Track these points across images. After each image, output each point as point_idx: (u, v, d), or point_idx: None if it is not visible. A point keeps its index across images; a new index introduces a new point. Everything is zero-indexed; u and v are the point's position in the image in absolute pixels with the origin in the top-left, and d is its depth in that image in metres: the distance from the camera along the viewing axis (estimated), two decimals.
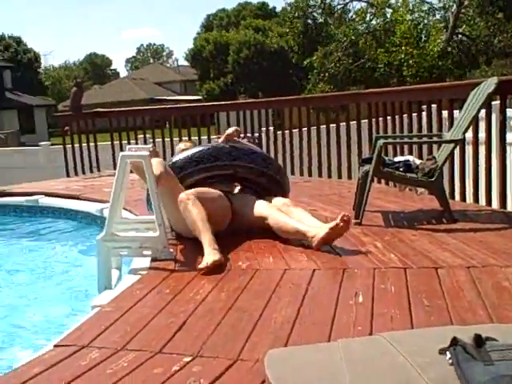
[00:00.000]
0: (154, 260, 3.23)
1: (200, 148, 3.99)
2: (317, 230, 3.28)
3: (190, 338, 2.20)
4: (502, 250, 3.11)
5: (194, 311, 2.48)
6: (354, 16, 24.80)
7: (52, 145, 11.12)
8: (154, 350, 2.10)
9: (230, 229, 3.61)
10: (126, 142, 7.67)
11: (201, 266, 3.01)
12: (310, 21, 24.64)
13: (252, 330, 2.23)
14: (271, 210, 3.53)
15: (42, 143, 10.44)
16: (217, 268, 3.01)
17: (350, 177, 6.06)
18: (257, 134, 6.99)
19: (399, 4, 23.88)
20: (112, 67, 79.21)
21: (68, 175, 7.93)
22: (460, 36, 23.56)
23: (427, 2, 24.21)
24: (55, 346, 2.22)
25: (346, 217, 3.21)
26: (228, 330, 2.27)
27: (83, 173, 7.95)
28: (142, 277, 3.02)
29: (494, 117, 4.35)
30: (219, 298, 2.65)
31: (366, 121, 5.95)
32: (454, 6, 22.94)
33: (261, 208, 3.59)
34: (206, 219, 3.32)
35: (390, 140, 4.99)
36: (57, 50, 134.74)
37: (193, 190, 3.48)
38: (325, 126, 6.37)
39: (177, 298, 2.67)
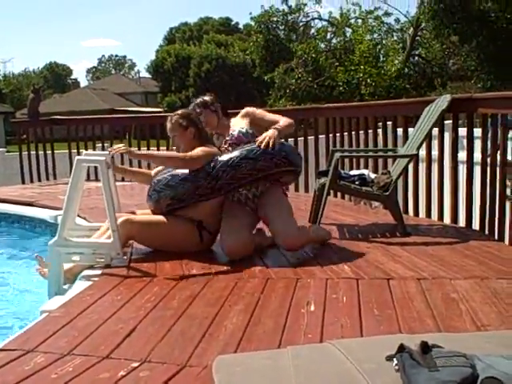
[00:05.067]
0: (106, 267, 3.19)
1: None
2: None
3: (138, 344, 2.17)
4: (451, 263, 3.18)
5: (144, 318, 2.45)
6: (315, 33, 25.16)
7: (8, 152, 10.89)
8: (102, 355, 2.07)
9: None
10: (83, 151, 7.54)
11: None
12: (272, 36, 24.88)
13: (202, 337, 2.22)
14: None
15: None
16: None
17: (306, 190, 6.11)
18: None
19: (359, 24, 24.37)
20: (73, 77, 78.28)
21: (23, 182, 7.76)
22: (416, 58, 24.19)
23: (386, 23, 24.81)
24: (0, 349, 2.16)
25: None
26: (177, 336, 2.25)
27: (39, 180, 7.79)
28: (94, 283, 2.98)
29: (446, 135, 4.47)
30: (170, 305, 2.63)
31: (324, 136, 6.03)
32: (411, 28, 23.55)
33: None
34: None
35: (346, 153, 5.07)
36: (16, 57, 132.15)
37: None
38: (283, 140, 6.40)
39: (127, 304, 2.64)
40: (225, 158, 3.40)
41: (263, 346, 2.12)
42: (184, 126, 3.56)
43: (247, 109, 3.78)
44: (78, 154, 7.29)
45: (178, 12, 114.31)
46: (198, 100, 3.78)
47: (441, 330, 2.25)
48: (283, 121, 3.64)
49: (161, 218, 3.45)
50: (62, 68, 75.39)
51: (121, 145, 3.51)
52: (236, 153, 3.41)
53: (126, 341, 2.21)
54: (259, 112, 3.76)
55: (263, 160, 3.38)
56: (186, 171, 3.39)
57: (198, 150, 3.43)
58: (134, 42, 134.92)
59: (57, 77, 72.25)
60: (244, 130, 3.62)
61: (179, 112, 3.69)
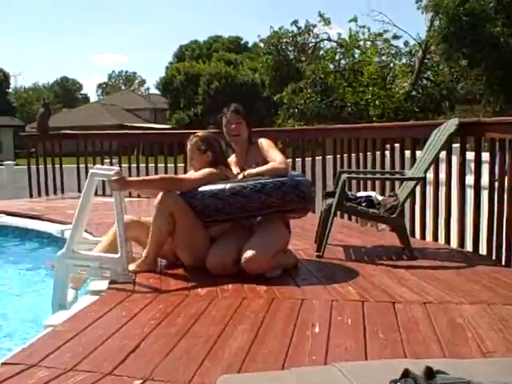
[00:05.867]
0: (112, 282, 3.19)
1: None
2: None
3: (142, 361, 2.17)
4: (458, 288, 3.17)
5: (148, 335, 2.45)
6: (324, 54, 25.31)
7: (16, 165, 10.94)
8: (105, 371, 2.06)
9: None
10: (91, 165, 7.59)
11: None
12: (281, 57, 25.05)
13: (206, 356, 2.21)
14: None
15: (6, 162, 10.28)
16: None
17: (313, 210, 6.10)
18: None
19: (368, 46, 24.52)
20: (83, 92, 78.92)
21: (31, 196, 7.80)
22: (425, 81, 24.27)
23: (395, 46, 24.96)
24: (3, 363, 2.16)
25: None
26: (181, 354, 2.25)
27: (47, 194, 7.83)
28: (99, 298, 2.98)
29: (454, 158, 4.47)
30: (175, 322, 2.62)
31: (331, 156, 6.04)
32: (420, 51, 23.67)
33: None
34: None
35: (353, 175, 5.07)
36: (27, 71, 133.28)
37: None
38: (290, 160, 6.43)
39: (132, 321, 2.64)
40: (236, 185, 3.43)
41: (267, 366, 2.11)
42: (202, 149, 3.63)
43: (261, 140, 3.78)
44: (86, 168, 7.36)
45: (188, 30, 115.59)
46: (239, 107, 3.82)
47: (446, 355, 2.23)
48: (273, 164, 3.56)
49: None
50: (72, 83, 76.08)
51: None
52: (251, 183, 3.42)
53: (129, 357, 2.20)
54: (267, 145, 3.72)
55: (275, 197, 3.39)
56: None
57: (202, 172, 3.50)
58: (143, 58, 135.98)
59: (67, 91, 72.88)
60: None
61: (199, 134, 3.76)
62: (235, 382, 1.92)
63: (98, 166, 4.09)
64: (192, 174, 3.58)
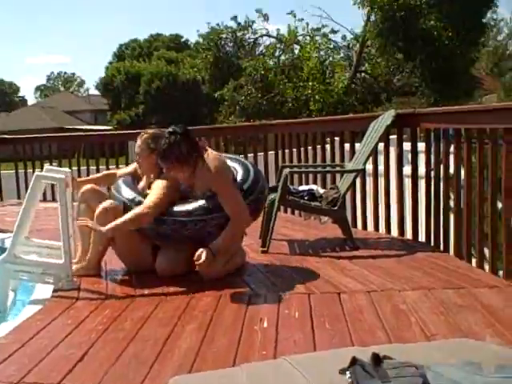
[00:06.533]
0: (57, 290, 3.12)
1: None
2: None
3: (90, 369, 2.14)
4: (399, 275, 3.27)
5: (95, 341, 2.42)
6: (264, 50, 25.43)
7: None
8: (53, 382, 2.03)
9: None
10: (31, 171, 7.39)
11: None
12: (221, 53, 25.02)
13: (156, 359, 2.21)
14: None
15: None
16: None
17: None
18: None
19: (307, 41, 24.78)
20: (20, 94, 76.44)
21: None
22: (363, 74, 24.74)
23: (333, 41, 25.34)
24: None
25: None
26: (131, 359, 2.23)
27: None
28: (43, 307, 2.91)
29: (392, 150, 4.59)
30: (122, 327, 2.60)
31: (273, 152, 6.10)
32: (357, 45, 24.11)
33: None
34: None
35: (295, 169, 5.14)
36: None
37: None
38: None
39: (78, 328, 2.60)
40: (190, 207, 3.28)
41: (218, 364, 2.12)
42: (151, 148, 3.44)
43: (214, 181, 3.29)
44: (26, 174, 7.15)
45: (128, 29, 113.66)
46: (165, 150, 3.23)
47: (392, 341, 2.30)
48: (232, 226, 3.25)
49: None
50: (9, 85, 73.68)
51: (84, 220, 3.29)
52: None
53: (78, 366, 2.17)
54: (220, 190, 3.27)
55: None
56: None
57: (158, 193, 3.29)
58: (82, 58, 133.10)
59: (3, 94, 70.53)
60: (204, 195, 3.32)
61: (150, 131, 3.59)
62: (186, 383, 1.92)
63: (49, 167, 3.92)
64: (150, 200, 3.25)
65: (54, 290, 3.12)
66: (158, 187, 3.34)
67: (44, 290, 3.14)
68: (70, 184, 3.38)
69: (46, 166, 4.16)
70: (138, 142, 3.54)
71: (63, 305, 2.92)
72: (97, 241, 3.35)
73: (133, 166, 3.80)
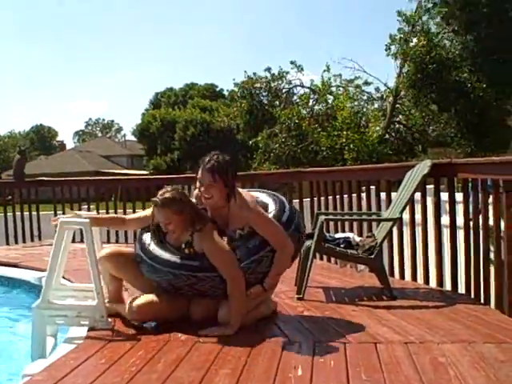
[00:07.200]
0: (91, 329, 3.13)
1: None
2: None
3: None
4: (438, 327, 3.19)
5: (128, 382, 2.40)
6: (297, 100, 25.73)
7: None
8: None
9: None
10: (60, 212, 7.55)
11: None
12: (255, 102, 25.39)
13: None
14: None
15: None
16: None
17: None
18: None
19: (340, 92, 25.02)
20: (59, 139, 78.67)
21: (8, 243, 7.68)
22: (397, 125, 24.77)
23: (366, 92, 25.54)
24: None
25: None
26: None
27: (24, 241, 7.72)
28: (78, 346, 2.92)
29: (428, 199, 4.55)
30: (156, 368, 2.58)
31: (308, 199, 6.10)
32: (391, 96, 24.23)
33: None
34: None
35: (331, 216, 5.11)
36: (2, 119, 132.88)
37: None
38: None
39: (112, 368, 2.59)
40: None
41: None
42: (179, 210, 3.18)
43: (250, 215, 3.27)
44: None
45: (164, 78, 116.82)
46: (215, 164, 3.22)
47: None
48: (279, 258, 3.26)
49: None
50: (47, 130, 75.96)
51: None
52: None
53: None
54: (258, 222, 3.26)
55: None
56: None
57: (224, 254, 3.18)
58: (120, 105, 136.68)
59: (43, 138, 72.69)
60: (240, 233, 3.29)
61: (166, 196, 3.19)
62: None
63: (65, 214, 3.81)
64: (226, 268, 3.15)
65: (89, 329, 3.13)
66: (222, 253, 3.19)
67: (79, 329, 3.16)
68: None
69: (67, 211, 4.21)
70: (159, 214, 3.21)
71: (97, 344, 2.92)
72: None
73: (150, 210, 3.41)
